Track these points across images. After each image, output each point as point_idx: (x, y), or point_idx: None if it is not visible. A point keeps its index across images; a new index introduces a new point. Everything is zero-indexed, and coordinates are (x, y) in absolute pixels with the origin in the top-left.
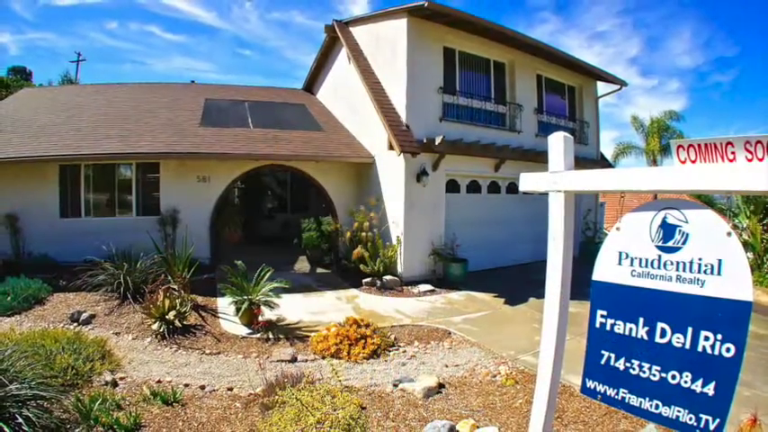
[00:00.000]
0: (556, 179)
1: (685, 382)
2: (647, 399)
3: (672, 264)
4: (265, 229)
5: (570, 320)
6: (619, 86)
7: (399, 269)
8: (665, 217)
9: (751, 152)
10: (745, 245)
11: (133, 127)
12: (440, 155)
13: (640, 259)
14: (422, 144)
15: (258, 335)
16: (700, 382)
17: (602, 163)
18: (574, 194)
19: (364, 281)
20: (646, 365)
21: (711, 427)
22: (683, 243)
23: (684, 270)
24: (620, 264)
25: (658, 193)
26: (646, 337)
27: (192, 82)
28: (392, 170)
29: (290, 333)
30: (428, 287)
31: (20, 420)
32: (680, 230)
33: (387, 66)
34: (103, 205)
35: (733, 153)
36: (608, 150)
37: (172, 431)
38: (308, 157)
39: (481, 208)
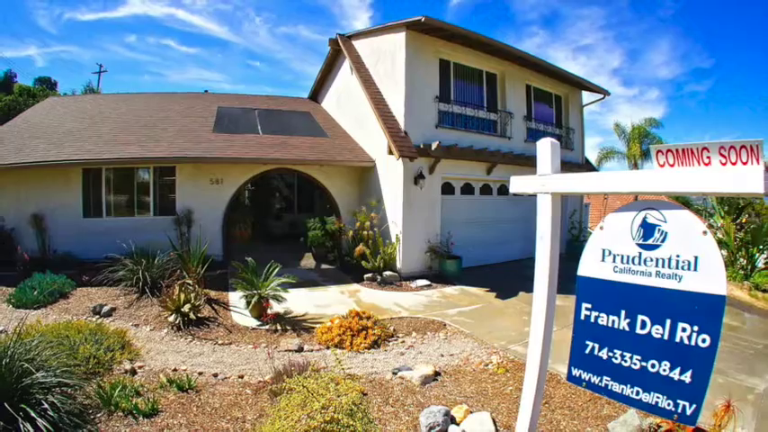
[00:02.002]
0: (544, 182)
1: (664, 370)
2: (629, 386)
3: (651, 260)
4: (274, 228)
5: (557, 313)
6: (602, 95)
7: (398, 265)
8: (645, 217)
9: (725, 157)
10: (720, 243)
11: (151, 133)
12: (436, 159)
13: (622, 256)
14: (419, 149)
15: (267, 326)
16: (677, 371)
17: (587, 167)
18: (560, 196)
19: (365, 276)
20: (627, 355)
21: (688, 412)
22: (662, 241)
23: (663, 266)
24: (603, 260)
25: (639, 195)
26: (627, 329)
27: (206, 91)
28: (391, 173)
29: (297, 325)
30: (425, 282)
31: (45, 406)
32: (659, 229)
33: (387, 76)
34: (123, 206)
35: (708, 158)
36: (592, 155)
37: (187, 416)
38: (313, 162)
39: (474, 208)
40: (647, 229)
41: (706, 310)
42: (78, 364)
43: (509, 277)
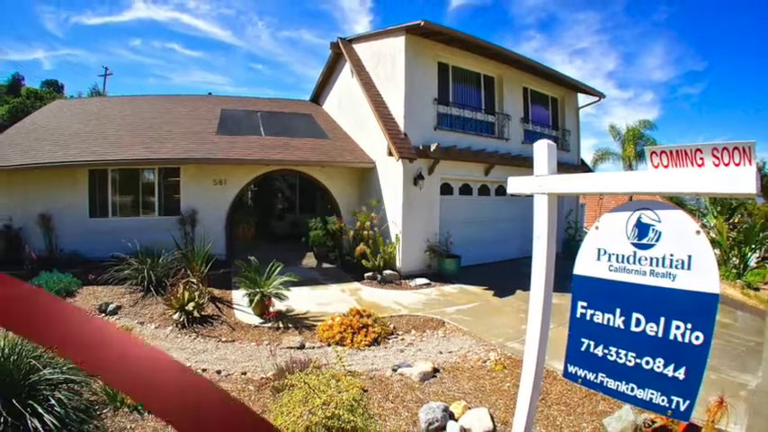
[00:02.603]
0: (540, 182)
1: (658, 367)
2: (624, 382)
3: (646, 259)
4: (276, 227)
5: (553, 311)
6: (597, 98)
7: (398, 264)
8: (639, 217)
9: (718, 158)
10: (713, 242)
11: (155, 135)
12: (435, 160)
13: (617, 255)
14: (418, 150)
15: (269, 324)
16: (671, 367)
17: (583, 168)
18: (557, 196)
19: (366, 275)
20: (622, 352)
21: (682, 408)
22: (656, 240)
23: (657, 265)
24: (598, 259)
25: (634, 195)
26: (622, 326)
27: (210, 94)
28: (391, 174)
29: (299, 322)
30: (424, 281)
31: (52, 402)
32: (653, 229)
33: (386, 79)
34: (129, 206)
35: (702, 159)
36: (588, 156)
37: None
38: (315, 163)
39: (473, 208)
40: (642, 228)
41: (699, 308)
42: None
43: (507, 276)
